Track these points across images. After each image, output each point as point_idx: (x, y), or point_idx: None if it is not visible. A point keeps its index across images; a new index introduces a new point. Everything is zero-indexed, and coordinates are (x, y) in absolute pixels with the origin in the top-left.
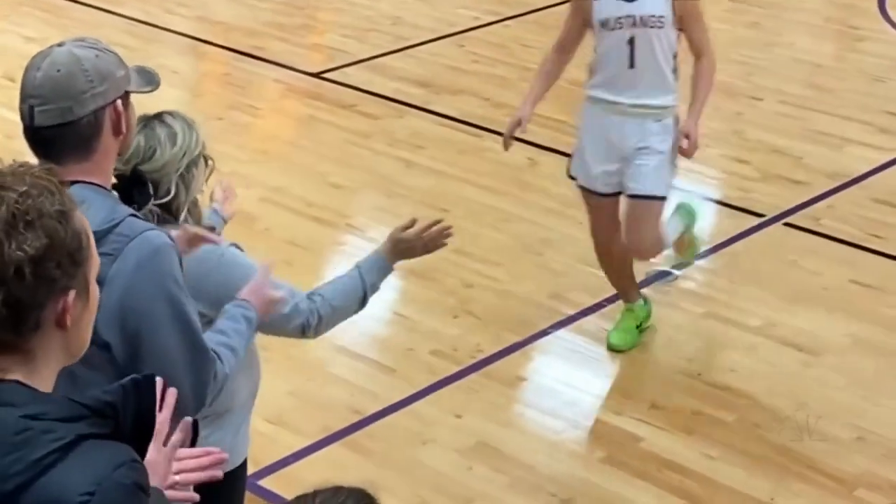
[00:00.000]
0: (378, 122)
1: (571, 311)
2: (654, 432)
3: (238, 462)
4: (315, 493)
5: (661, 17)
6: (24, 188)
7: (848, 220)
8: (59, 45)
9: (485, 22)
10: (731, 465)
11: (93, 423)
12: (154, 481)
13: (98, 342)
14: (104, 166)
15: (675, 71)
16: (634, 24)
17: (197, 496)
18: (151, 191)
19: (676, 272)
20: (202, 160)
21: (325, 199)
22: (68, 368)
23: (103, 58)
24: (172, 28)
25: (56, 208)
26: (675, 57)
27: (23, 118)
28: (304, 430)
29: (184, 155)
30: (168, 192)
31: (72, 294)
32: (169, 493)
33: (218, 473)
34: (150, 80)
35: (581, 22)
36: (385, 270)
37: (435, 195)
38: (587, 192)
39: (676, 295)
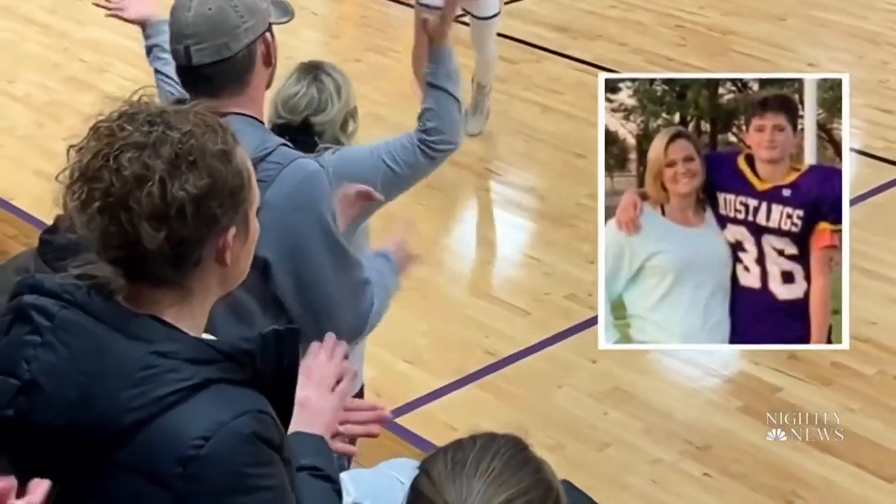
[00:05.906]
0: (515, 66)
1: None
2: (792, 383)
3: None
4: (473, 438)
5: None
6: (188, 127)
7: None
8: None
9: None
10: (871, 417)
11: (225, 369)
12: (317, 429)
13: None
14: (256, 98)
15: None
16: None
17: (356, 450)
18: (317, 140)
19: None
20: (356, 112)
21: (463, 142)
22: (230, 299)
23: None
24: None
25: (219, 147)
26: None
27: (178, 58)
28: (439, 371)
29: (344, 107)
30: (330, 142)
31: (232, 231)
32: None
33: (375, 430)
34: (285, 10)
35: None
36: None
37: (571, 140)
38: None
39: None
